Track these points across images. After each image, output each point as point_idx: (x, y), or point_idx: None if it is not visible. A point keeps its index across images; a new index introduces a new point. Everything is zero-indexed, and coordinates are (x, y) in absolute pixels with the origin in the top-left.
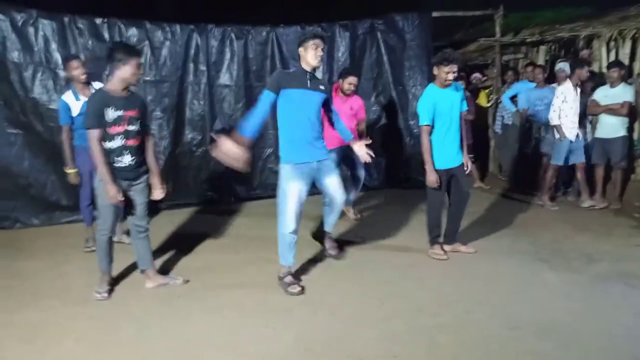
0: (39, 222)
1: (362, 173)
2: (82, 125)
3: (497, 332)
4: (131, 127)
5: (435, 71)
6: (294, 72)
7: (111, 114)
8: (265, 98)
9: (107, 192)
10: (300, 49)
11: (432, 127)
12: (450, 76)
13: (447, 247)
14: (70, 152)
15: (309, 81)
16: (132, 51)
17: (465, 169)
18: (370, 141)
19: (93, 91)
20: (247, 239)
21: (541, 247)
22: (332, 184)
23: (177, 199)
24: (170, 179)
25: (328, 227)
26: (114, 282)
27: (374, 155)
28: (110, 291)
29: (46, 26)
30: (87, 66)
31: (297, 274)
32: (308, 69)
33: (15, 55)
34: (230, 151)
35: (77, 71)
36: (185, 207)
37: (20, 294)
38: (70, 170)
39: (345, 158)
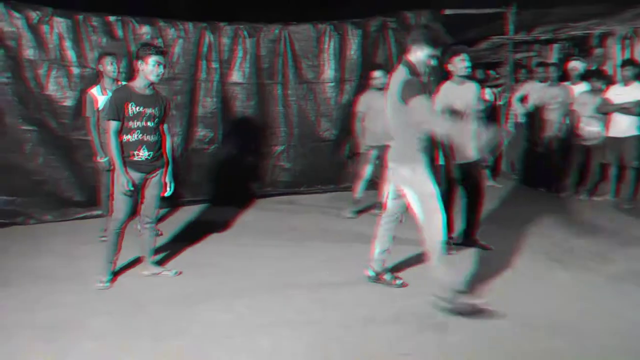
0: (52, 218)
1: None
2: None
3: (510, 330)
4: (149, 124)
5: None
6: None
7: (132, 109)
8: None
9: (118, 181)
10: None
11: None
12: None
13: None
14: (97, 142)
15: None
16: (151, 49)
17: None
18: None
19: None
20: (256, 232)
21: (554, 246)
22: None
23: (188, 196)
24: (182, 176)
25: None
26: (116, 274)
27: None
28: (112, 280)
29: (60, 24)
30: (120, 64)
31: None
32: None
33: (29, 52)
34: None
35: (110, 67)
36: (196, 204)
37: (39, 292)
38: (101, 159)
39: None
